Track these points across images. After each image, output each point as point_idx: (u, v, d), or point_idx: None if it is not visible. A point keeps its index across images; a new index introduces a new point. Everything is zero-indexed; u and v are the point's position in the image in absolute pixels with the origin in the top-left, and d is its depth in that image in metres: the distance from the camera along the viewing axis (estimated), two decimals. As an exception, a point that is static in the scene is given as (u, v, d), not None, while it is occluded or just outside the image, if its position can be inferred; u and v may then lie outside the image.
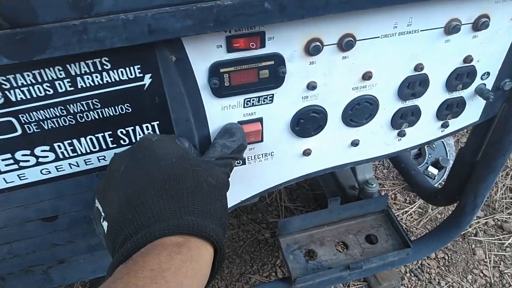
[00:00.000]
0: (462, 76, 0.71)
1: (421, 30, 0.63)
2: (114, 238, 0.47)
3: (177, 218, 0.45)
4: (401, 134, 0.78)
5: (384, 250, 1.11)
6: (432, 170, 1.56)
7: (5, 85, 0.48)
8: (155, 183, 0.48)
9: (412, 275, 1.32)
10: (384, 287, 1.28)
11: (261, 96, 0.63)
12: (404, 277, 1.32)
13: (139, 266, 0.40)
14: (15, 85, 0.49)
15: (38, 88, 0.50)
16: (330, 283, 1.06)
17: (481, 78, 0.73)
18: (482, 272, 1.30)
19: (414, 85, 0.69)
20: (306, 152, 0.73)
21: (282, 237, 1.13)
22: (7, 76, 0.48)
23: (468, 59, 0.69)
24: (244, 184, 0.75)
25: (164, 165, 0.49)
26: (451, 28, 0.63)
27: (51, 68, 0.49)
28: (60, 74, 0.49)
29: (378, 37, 0.61)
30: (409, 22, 0.61)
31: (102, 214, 0.50)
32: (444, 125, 0.80)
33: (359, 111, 0.70)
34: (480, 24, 0.63)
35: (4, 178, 0.58)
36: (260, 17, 0.48)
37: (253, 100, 0.63)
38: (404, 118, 0.74)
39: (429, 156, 1.59)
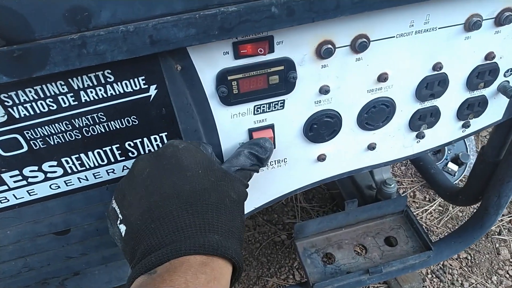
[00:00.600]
0: (483, 74, 0.68)
1: (439, 28, 0.59)
2: (133, 245, 0.47)
3: (202, 236, 0.44)
4: (420, 136, 0.74)
5: (404, 253, 1.08)
6: (452, 166, 1.51)
7: (8, 102, 0.47)
8: (180, 195, 0.47)
9: (434, 276, 1.28)
10: (405, 289, 1.25)
11: (272, 103, 0.60)
12: (426, 279, 1.28)
13: (166, 283, 0.40)
14: (17, 101, 0.47)
15: (41, 104, 0.48)
16: (349, 287, 1.03)
17: (504, 75, 0.69)
18: (508, 273, 1.26)
19: (433, 85, 0.66)
20: (321, 158, 0.70)
21: (299, 240, 1.11)
22: (9, 93, 0.47)
23: (490, 56, 0.65)
24: (258, 192, 0.72)
25: (190, 177, 0.48)
26: (472, 24, 0.59)
27: (53, 83, 0.47)
28: (63, 89, 0.48)
29: (394, 36, 0.58)
30: (426, 19, 0.58)
31: (120, 216, 0.49)
32: (465, 125, 0.76)
33: (375, 114, 0.67)
34: (503, 19, 0.60)
35: (13, 194, 0.57)
36: (267, 23, 0.46)
37: (263, 106, 0.61)
38: (423, 120, 0.71)
39: (449, 152, 1.55)
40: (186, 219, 0.45)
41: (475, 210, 1.42)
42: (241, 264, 0.47)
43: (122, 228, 0.49)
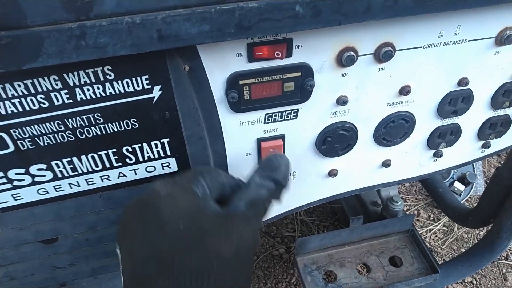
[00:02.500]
0: (510, 92, 0.63)
1: (469, 40, 0.55)
2: None
3: None
4: (437, 155, 0.70)
5: (409, 275, 1.03)
6: (459, 186, 1.47)
7: (-6, 96, 0.42)
8: (156, 256, 0.39)
9: (437, 299, 1.23)
10: (407, 312, 1.20)
11: (285, 111, 0.56)
12: (428, 302, 1.23)
13: None
14: (4, 96, 0.42)
15: (31, 100, 0.43)
16: (351, 309, 0.98)
17: (532, 95, 0.65)
18: (515, 301, 1.21)
19: (457, 101, 0.61)
20: (332, 173, 0.65)
21: (300, 256, 1.06)
22: (-4, 87, 0.41)
23: (519, 73, 0.61)
24: (262, 206, 0.67)
25: (170, 233, 0.40)
26: (504, 38, 0.55)
27: (46, 78, 0.42)
28: (56, 85, 0.43)
29: (421, 47, 0.53)
30: (457, 30, 0.53)
31: (120, 265, 0.43)
32: (486, 145, 0.72)
33: (393, 129, 0.62)
34: (538, 34, 0.55)
35: (-4, 198, 0.52)
36: (290, 23, 0.41)
37: (275, 115, 0.56)
38: (443, 138, 0.66)
39: (455, 171, 1.50)
40: (161, 285, 0.38)
41: (481, 232, 1.37)
42: None
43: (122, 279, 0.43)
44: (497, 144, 0.73)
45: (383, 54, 0.51)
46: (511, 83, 0.62)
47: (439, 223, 1.40)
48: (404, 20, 0.50)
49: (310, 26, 0.42)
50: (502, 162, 1.57)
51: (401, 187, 1.55)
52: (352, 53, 0.50)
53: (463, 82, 0.59)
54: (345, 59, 0.51)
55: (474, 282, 1.25)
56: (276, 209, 0.69)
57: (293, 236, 1.40)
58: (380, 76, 0.55)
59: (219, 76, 0.49)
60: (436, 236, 1.38)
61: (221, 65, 0.48)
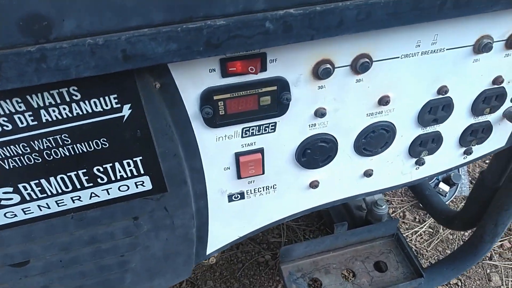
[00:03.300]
0: (490, 99, 0.63)
1: (447, 49, 0.54)
2: None
3: None
4: (420, 163, 0.69)
5: (395, 279, 1.03)
6: (443, 187, 1.47)
7: (-48, 120, 0.40)
8: None
9: (424, 301, 1.23)
10: (394, 315, 1.19)
11: (262, 125, 0.54)
12: (415, 304, 1.23)
13: None
14: (-37, 121, 0.40)
15: (-7, 123, 0.41)
16: (337, 316, 0.97)
17: (511, 101, 0.65)
18: (499, 301, 1.21)
19: (437, 109, 0.61)
20: (313, 185, 0.64)
21: (284, 264, 1.04)
22: (-47, 111, 0.39)
23: (498, 80, 0.60)
24: (243, 220, 0.66)
25: None
26: (482, 46, 0.54)
27: (8, 101, 0.40)
28: (20, 107, 0.41)
29: (398, 57, 0.53)
30: (434, 40, 0.52)
31: None
32: (467, 152, 0.71)
33: (374, 139, 0.61)
34: (515, 42, 0.55)
35: (-39, 222, 0.49)
36: (260, 39, 0.40)
37: (252, 129, 0.54)
38: (424, 146, 0.66)
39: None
40: None
41: (466, 233, 1.38)
42: None
43: None
44: (479, 150, 0.73)
45: (360, 65, 0.51)
46: (490, 90, 0.62)
47: (424, 225, 1.41)
48: (380, 31, 0.49)
49: (282, 41, 0.41)
50: (487, 161, 1.58)
51: (387, 189, 1.55)
52: (328, 65, 0.49)
53: (442, 90, 0.59)
54: (321, 71, 0.49)
55: (459, 283, 1.26)
56: (258, 222, 0.68)
57: (279, 242, 1.39)
58: (358, 87, 0.54)
59: (192, 92, 0.48)
60: (422, 238, 1.39)
61: (194, 81, 0.47)
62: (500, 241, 1.35)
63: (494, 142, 0.72)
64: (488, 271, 1.28)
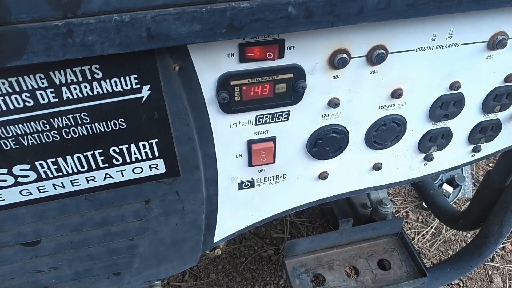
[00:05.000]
0: (501, 96, 0.63)
1: (461, 44, 0.55)
2: None
3: None
4: (428, 158, 0.69)
5: (398, 278, 1.03)
6: (447, 188, 1.47)
7: (-24, 94, 0.41)
8: None
9: (425, 301, 1.23)
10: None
11: (276, 113, 0.55)
12: (416, 304, 1.23)
13: None
14: (-13, 94, 0.41)
15: (15, 98, 0.42)
16: (339, 312, 0.98)
17: (522, 99, 0.65)
18: (501, 303, 1.22)
19: (448, 105, 0.61)
20: (323, 176, 0.65)
21: (288, 258, 1.05)
22: (-22, 84, 0.40)
23: (510, 78, 0.61)
24: (252, 209, 0.67)
25: None
26: (496, 43, 0.55)
27: (31, 76, 0.41)
28: (42, 83, 0.42)
29: (413, 50, 0.53)
30: (449, 34, 0.53)
31: None
32: (476, 149, 0.72)
33: (385, 132, 0.62)
34: (529, 39, 0.55)
35: (-23, 198, 0.50)
36: (282, 24, 0.41)
37: (266, 117, 0.55)
38: (433, 141, 0.66)
39: (444, 173, 1.51)
40: None
41: (468, 235, 1.38)
42: None
43: None
44: (487, 148, 0.73)
45: (376, 56, 0.51)
46: (502, 87, 0.62)
47: (431, 227, 1.41)
48: (397, 23, 0.49)
49: (302, 27, 0.41)
50: (491, 164, 1.59)
51: (390, 189, 1.56)
52: (344, 55, 0.50)
53: (454, 86, 0.59)
54: (338, 61, 0.50)
55: (461, 284, 1.26)
56: (266, 212, 0.68)
57: (282, 237, 1.39)
58: (372, 78, 0.55)
59: (210, 77, 0.48)
60: (424, 238, 1.39)
61: (212, 65, 0.47)
62: (502, 243, 1.35)
63: (503, 141, 0.72)
64: (490, 272, 1.29)
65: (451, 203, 1.47)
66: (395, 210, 1.48)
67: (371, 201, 1.20)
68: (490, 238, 0.93)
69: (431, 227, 1.41)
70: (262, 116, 0.55)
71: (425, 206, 1.36)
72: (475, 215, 0.98)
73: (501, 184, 0.87)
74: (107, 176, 0.52)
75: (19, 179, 0.49)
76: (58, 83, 0.42)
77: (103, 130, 0.47)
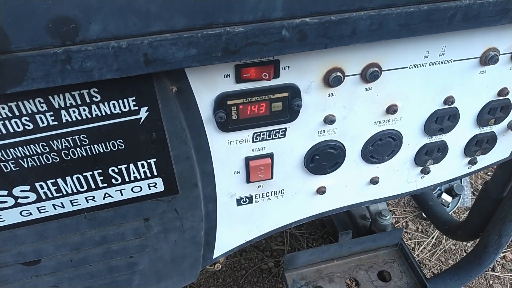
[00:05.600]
0: (495, 110, 0.64)
1: (454, 60, 0.55)
2: None
3: None
4: (425, 172, 0.70)
5: (398, 289, 1.03)
6: (446, 197, 1.48)
7: (-24, 119, 0.41)
8: None
9: (426, 312, 1.23)
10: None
11: (273, 130, 0.56)
12: (417, 315, 1.23)
13: None
14: (-13, 119, 0.42)
15: (15, 122, 0.43)
16: (340, 325, 0.97)
17: (516, 112, 0.66)
18: (502, 313, 1.21)
19: (443, 119, 0.62)
20: (320, 191, 0.65)
21: (289, 271, 1.05)
22: (-21, 109, 0.41)
23: (503, 92, 0.62)
24: (251, 224, 0.67)
25: None
26: (488, 59, 0.56)
27: (31, 100, 0.42)
28: (41, 107, 0.42)
29: (407, 67, 0.54)
30: (442, 51, 0.54)
31: None
32: (472, 162, 0.72)
33: (381, 147, 0.63)
34: (521, 55, 0.56)
35: (-23, 219, 0.51)
36: (276, 47, 0.41)
37: (263, 134, 0.56)
38: (430, 155, 0.67)
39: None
40: None
41: (468, 244, 1.38)
42: None
43: None
44: (483, 161, 0.74)
45: (370, 74, 0.52)
46: (495, 101, 0.63)
47: (432, 237, 1.41)
48: (390, 42, 0.50)
49: (296, 49, 0.42)
50: (490, 173, 1.59)
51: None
52: (339, 73, 0.51)
53: (449, 100, 0.60)
54: (332, 79, 0.51)
55: (462, 294, 1.26)
56: (265, 227, 0.69)
57: (282, 249, 1.39)
58: (367, 95, 0.55)
59: (207, 97, 0.49)
60: (425, 248, 1.39)
61: (209, 86, 0.48)
62: (503, 252, 1.35)
63: (499, 153, 0.73)
64: (491, 282, 1.28)
65: (450, 213, 1.47)
66: (395, 220, 1.48)
67: (371, 212, 1.20)
68: (489, 248, 0.94)
69: (431, 237, 1.41)
70: (259, 133, 0.55)
71: (425, 216, 1.36)
72: (474, 226, 0.99)
73: (499, 194, 0.88)
74: (107, 195, 0.53)
75: (19, 200, 0.50)
76: (57, 106, 0.43)
77: (102, 151, 0.48)
